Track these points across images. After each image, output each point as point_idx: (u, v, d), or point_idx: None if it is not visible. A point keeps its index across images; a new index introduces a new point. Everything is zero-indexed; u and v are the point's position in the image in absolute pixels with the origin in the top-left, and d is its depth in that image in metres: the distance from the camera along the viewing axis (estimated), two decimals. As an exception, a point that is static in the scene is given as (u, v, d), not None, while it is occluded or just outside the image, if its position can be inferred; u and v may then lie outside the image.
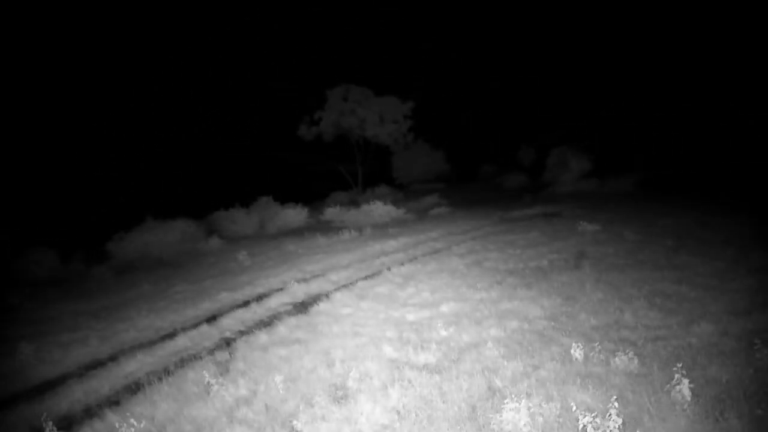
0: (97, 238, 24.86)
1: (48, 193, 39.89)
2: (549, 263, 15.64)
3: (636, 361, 7.73)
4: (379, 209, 30.50)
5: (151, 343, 11.32)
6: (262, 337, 11.02)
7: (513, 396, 6.96)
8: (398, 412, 7.16)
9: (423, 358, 9.15)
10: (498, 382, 7.73)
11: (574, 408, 6.30)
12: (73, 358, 10.80)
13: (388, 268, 16.73)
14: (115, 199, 39.40)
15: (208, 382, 8.57)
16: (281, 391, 8.19)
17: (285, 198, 32.84)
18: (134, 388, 9.01)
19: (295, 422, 6.96)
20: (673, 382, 6.54)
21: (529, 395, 7.12)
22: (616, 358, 7.85)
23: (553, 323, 10.36)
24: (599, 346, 8.34)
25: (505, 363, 8.45)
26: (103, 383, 9.36)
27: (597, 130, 44.66)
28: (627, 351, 7.96)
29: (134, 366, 10.08)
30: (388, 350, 9.58)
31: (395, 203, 33.73)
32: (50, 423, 7.11)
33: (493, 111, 49.00)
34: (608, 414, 5.93)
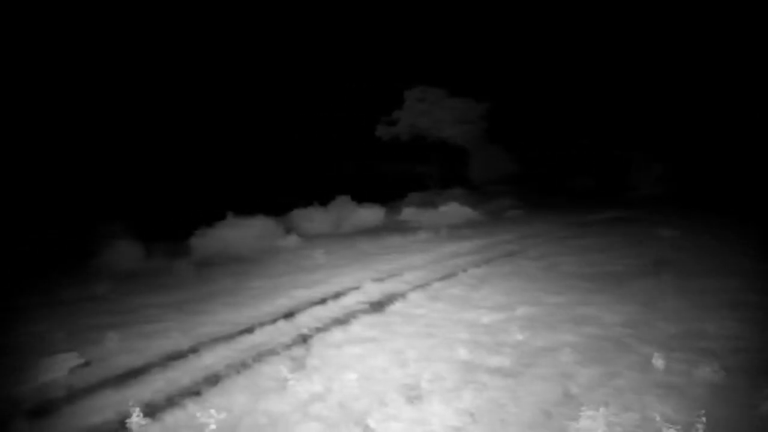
0: (180, 232, 25.56)
1: (135, 188, 41.38)
2: (626, 269, 15.26)
3: (720, 373, 7.45)
4: (454, 210, 30.37)
5: (229, 337, 11.57)
6: (337, 334, 11.13)
7: (589, 403, 6.81)
8: (471, 415, 7.12)
9: (496, 361, 9.07)
10: (573, 389, 7.59)
11: (657, 418, 6.12)
12: (156, 349, 11.13)
13: (464, 270, 16.65)
14: (199, 195, 40.53)
15: (284, 377, 8.72)
16: (355, 389, 8.25)
17: (361, 197, 33.03)
18: (213, 379, 9.24)
19: (368, 420, 7.02)
20: (762, 396, 6.27)
21: (606, 403, 6.96)
22: (698, 369, 7.58)
23: (630, 330, 10.11)
24: (680, 356, 8.09)
25: (581, 369, 8.29)
26: (184, 374, 9.62)
27: (678, 134, 43.17)
28: (710, 362, 7.68)
29: (213, 359, 10.31)
30: (462, 352, 9.54)
31: (470, 204, 33.53)
32: (137, 409, 7.42)
33: (570, 112, 48.00)
34: (694, 428, 5.73)
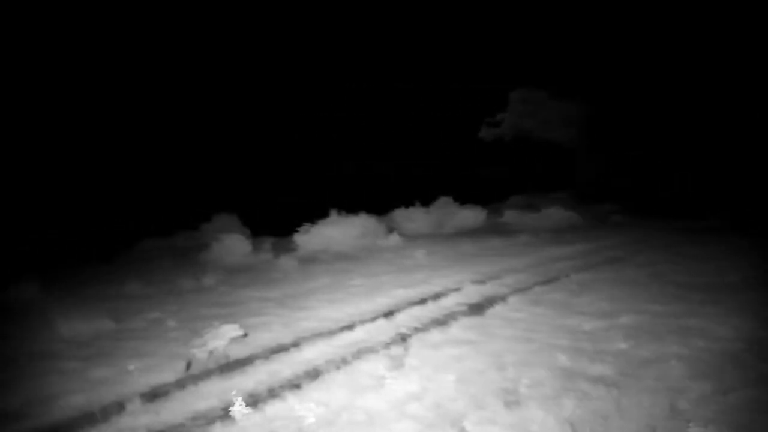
0: (285, 229, 26.18)
1: (240, 186, 42.81)
2: (741, 280, 14.44)
3: None
4: (556, 213, 29.79)
5: (330, 333, 11.75)
6: (436, 335, 11.12)
7: (698, 420, 6.54)
8: (571, 424, 6.97)
9: (598, 369, 8.82)
10: (681, 403, 7.27)
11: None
12: (259, 341, 11.39)
13: (566, 275, 16.31)
14: (307, 191, 41.53)
15: (382, 375, 8.82)
16: (451, 390, 8.23)
17: (464, 199, 32.91)
18: (313, 374, 9.40)
19: (464, 422, 6.99)
20: None
21: (716, 421, 6.65)
22: (821, 390, 7.13)
23: (744, 345, 9.55)
24: (802, 376, 7.62)
25: (690, 383, 7.93)
26: (285, 367, 9.83)
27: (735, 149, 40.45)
28: (838, 385, 7.20)
29: (314, 353, 10.50)
30: (562, 358, 9.34)
31: (573, 208, 32.77)
32: (240, 398, 7.73)
33: (680, 114, 45.94)
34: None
